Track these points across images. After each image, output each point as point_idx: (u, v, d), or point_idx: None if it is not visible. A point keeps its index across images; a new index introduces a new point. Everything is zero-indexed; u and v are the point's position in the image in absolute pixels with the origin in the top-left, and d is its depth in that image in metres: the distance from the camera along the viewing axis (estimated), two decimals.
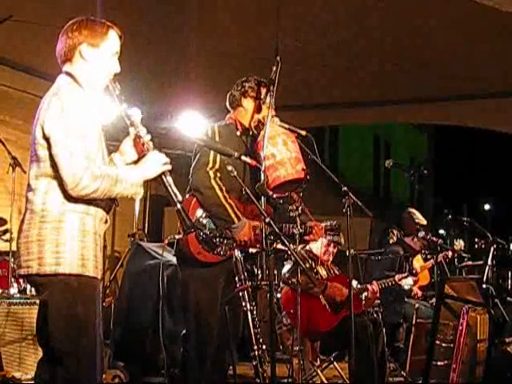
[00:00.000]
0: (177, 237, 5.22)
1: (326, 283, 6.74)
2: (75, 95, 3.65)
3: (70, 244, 3.56)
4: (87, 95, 3.74)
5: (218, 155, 5.07)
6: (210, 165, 5.12)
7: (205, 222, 5.08)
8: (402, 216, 8.74)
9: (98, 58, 3.76)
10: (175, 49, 7.68)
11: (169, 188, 3.76)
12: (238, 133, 5.34)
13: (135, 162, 3.89)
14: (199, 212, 5.16)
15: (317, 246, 7.03)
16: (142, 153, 3.83)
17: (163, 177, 3.77)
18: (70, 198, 3.55)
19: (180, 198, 3.78)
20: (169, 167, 3.78)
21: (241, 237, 5.07)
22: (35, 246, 3.56)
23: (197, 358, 5.15)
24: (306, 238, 5.60)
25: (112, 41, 3.80)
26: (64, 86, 3.67)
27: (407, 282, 7.83)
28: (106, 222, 3.82)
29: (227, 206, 5.10)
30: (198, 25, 7.08)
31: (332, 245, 7.05)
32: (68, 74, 3.75)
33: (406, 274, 7.68)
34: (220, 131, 5.26)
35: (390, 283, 7.41)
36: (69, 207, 3.58)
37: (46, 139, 3.55)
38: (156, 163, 3.76)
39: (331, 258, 7.18)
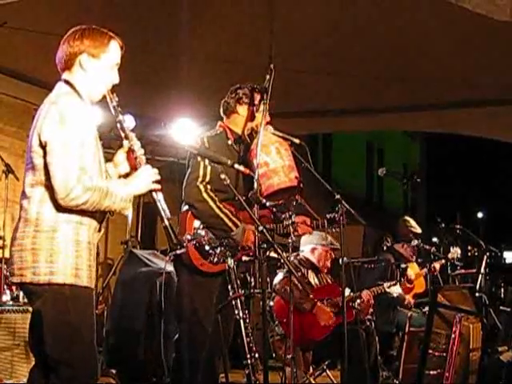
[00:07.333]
0: (178, 252, 5.19)
1: (315, 302, 6.69)
2: (74, 105, 3.62)
3: (64, 254, 3.56)
4: (85, 105, 3.73)
5: (209, 168, 5.08)
6: (200, 178, 5.12)
7: (203, 233, 5.07)
8: (396, 224, 8.74)
9: (97, 69, 3.74)
10: (168, 56, 7.67)
11: (158, 204, 3.76)
12: (230, 141, 5.34)
13: (127, 175, 3.89)
14: (196, 223, 5.19)
15: (318, 252, 7.04)
16: (134, 167, 3.82)
17: (153, 193, 3.76)
18: (64, 207, 3.54)
19: (168, 214, 3.75)
20: (158, 186, 3.77)
21: (243, 242, 5.09)
22: (29, 255, 3.54)
23: (189, 361, 5.16)
24: (297, 232, 5.51)
25: (113, 52, 3.79)
26: (63, 95, 3.66)
27: (395, 290, 7.82)
28: (100, 230, 3.81)
29: (223, 216, 5.11)
30: (191, 32, 7.08)
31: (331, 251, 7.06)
32: (67, 82, 3.73)
33: (394, 282, 7.68)
34: (209, 141, 5.25)
35: (379, 291, 7.41)
36: (63, 217, 3.57)
37: (43, 147, 3.54)
38: (146, 179, 3.75)
39: (329, 265, 7.16)
